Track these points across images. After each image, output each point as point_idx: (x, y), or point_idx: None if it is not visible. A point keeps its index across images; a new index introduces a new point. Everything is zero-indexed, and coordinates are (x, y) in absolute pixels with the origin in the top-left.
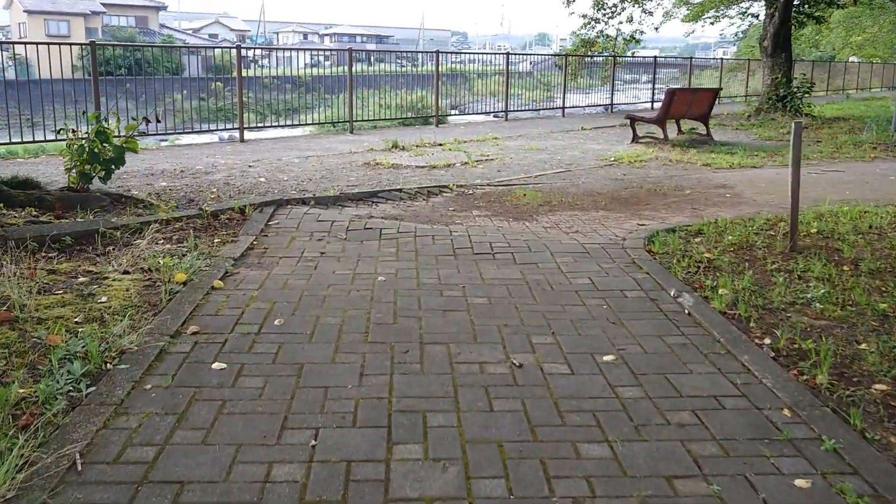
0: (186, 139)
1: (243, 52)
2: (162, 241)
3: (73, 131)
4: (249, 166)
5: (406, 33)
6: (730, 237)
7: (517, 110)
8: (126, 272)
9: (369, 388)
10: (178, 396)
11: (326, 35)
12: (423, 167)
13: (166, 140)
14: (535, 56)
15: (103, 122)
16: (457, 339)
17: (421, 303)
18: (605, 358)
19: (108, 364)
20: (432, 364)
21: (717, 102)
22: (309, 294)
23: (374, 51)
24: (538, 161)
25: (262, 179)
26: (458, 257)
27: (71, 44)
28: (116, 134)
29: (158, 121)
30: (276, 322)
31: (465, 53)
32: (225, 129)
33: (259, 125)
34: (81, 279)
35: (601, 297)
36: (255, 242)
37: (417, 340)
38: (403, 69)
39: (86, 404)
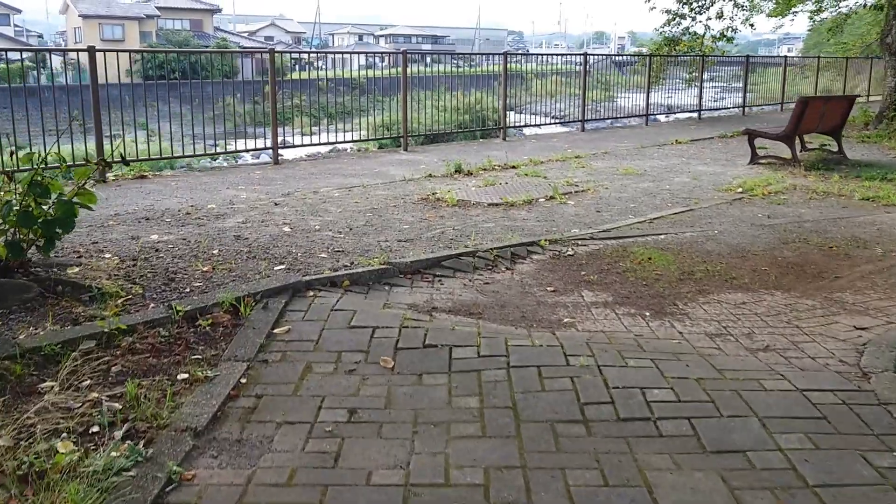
0: (215, 160)
1: (286, 57)
2: (89, 383)
3: (7, 175)
4: (276, 204)
5: (461, 33)
6: None
7: (594, 119)
8: None
9: None
10: None
11: (382, 36)
12: (496, 204)
13: (192, 163)
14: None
15: (45, 166)
16: None
17: None
18: None
19: None
20: None
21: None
22: None
23: (430, 52)
24: (643, 193)
25: (287, 229)
26: (594, 431)
27: (65, 50)
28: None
29: (126, 162)
30: None
31: (539, 55)
32: (257, 150)
33: (296, 143)
34: None
35: None
36: (243, 382)
37: None
38: (460, 70)
39: None
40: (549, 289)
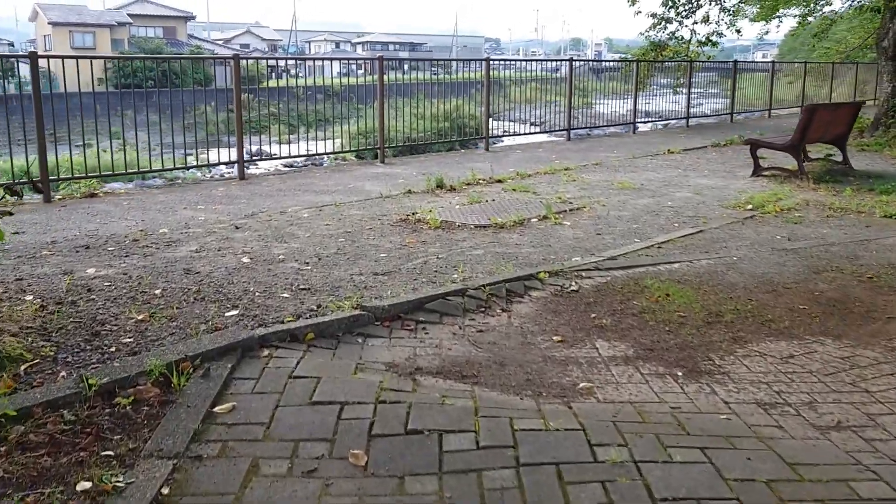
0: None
1: (262, 64)
2: None
3: None
4: (236, 227)
5: (439, 40)
6: None
7: (580, 127)
8: None
9: None
10: None
11: (359, 43)
12: (484, 226)
13: (151, 180)
14: (603, 62)
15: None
16: None
17: None
18: None
19: None
20: None
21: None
22: None
23: (407, 59)
24: (644, 210)
25: (246, 259)
26: None
27: (3, 56)
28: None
29: (39, 191)
30: None
31: (522, 61)
32: (221, 164)
33: (264, 156)
34: None
35: None
36: (164, 494)
37: None
38: (438, 77)
39: None
40: (555, 338)
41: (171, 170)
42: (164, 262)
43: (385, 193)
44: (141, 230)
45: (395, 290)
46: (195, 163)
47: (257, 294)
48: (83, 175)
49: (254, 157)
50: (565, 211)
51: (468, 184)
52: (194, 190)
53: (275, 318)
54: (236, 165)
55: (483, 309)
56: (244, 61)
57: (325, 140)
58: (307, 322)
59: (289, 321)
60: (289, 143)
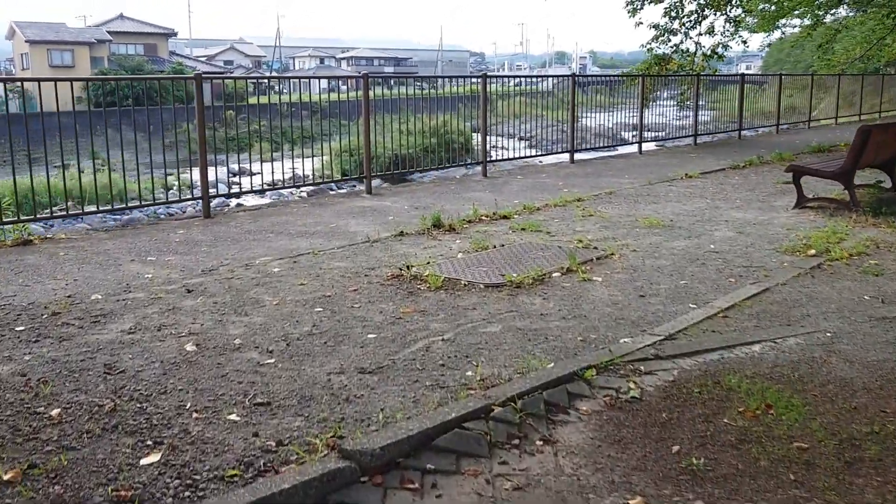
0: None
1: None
2: None
3: None
4: (188, 291)
5: (424, 55)
6: None
7: (586, 149)
8: None
9: None
10: None
11: (343, 58)
12: (497, 286)
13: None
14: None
15: None
16: None
17: None
18: None
19: None
20: None
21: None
22: None
23: (393, 75)
24: (685, 258)
25: (191, 347)
26: None
27: None
28: None
29: None
30: None
31: (522, 77)
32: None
33: (233, 190)
34: None
35: None
36: None
37: None
38: (425, 93)
39: None
40: (629, 499)
41: (122, 209)
42: (83, 351)
43: (373, 236)
44: (68, 296)
45: (389, 402)
46: (163, 196)
47: (195, 415)
48: (13, 220)
49: (221, 194)
50: (591, 260)
51: (469, 221)
52: (149, 234)
53: (211, 471)
54: (200, 202)
55: (516, 440)
56: (226, 81)
57: (310, 158)
58: (255, 497)
59: (231, 476)
60: (272, 160)
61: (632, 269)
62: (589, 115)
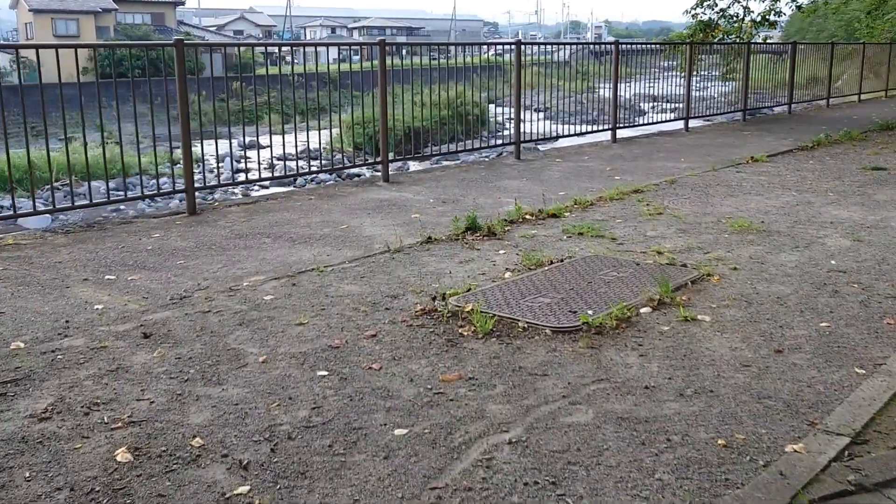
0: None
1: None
2: None
3: None
4: (145, 336)
5: (437, 24)
6: None
7: (629, 126)
8: None
9: None
10: None
11: (355, 28)
12: (571, 333)
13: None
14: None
15: None
16: None
17: None
18: None
19: None
20: None
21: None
22: None
23: (409, 42)
24: (805, 279)
25: (123, 456)
26: None
27: None
28: None
29: None
30: None
31: (559, 44)
32: (164, 194)
33: (223, 181)
34: None
35: None
36: None
37: None
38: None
39: None
40: None
41: (82, 207)
42: None
43: (393, 244)
44: None
45: None
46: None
47: None
48: None
49: (209, 184)
50: (685, 285)
51: (511, 222)
52: (116, 238)
53: None
54: (185, 197)
55: None
56: (229, 50)
57: (319, 130)
58: None
59: None
60: (282, 133)
61: (744, 299)
62: (627, 84)
